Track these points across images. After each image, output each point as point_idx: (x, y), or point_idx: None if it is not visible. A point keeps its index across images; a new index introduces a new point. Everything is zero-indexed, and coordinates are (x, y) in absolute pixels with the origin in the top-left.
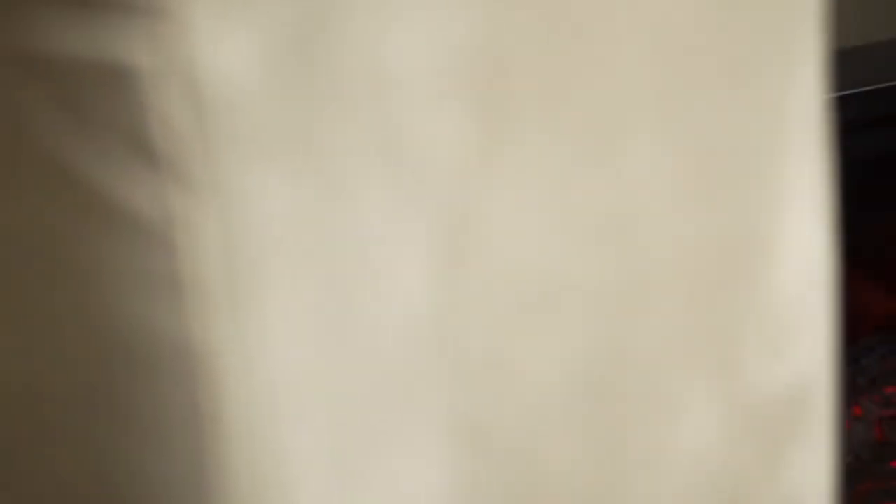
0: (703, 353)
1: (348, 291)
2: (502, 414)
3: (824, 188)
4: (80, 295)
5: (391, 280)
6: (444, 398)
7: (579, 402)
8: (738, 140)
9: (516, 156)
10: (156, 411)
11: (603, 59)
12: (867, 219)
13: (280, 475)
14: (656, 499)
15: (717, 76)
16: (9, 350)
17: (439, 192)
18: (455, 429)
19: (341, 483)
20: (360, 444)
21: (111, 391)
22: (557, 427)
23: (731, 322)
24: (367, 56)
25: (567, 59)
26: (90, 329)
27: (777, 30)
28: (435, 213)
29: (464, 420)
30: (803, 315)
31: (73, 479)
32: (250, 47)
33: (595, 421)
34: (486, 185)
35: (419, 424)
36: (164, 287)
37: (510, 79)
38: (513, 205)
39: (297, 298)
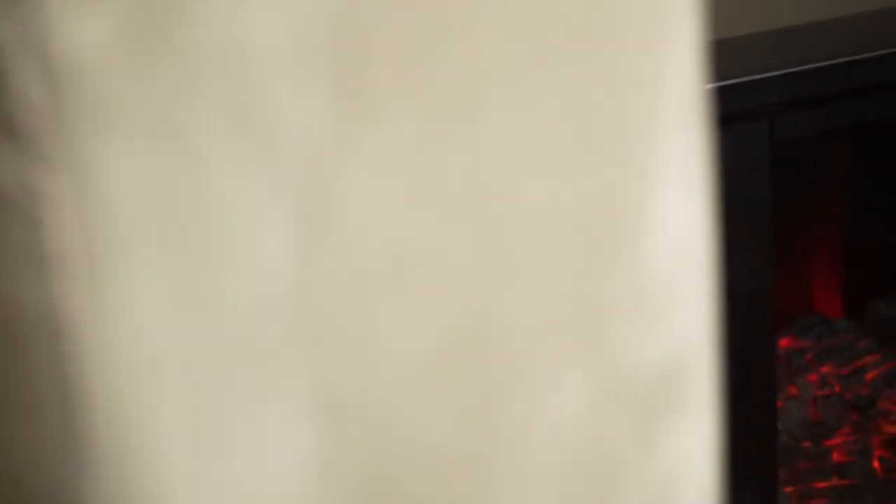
0: (574, 328)
1: (207, 263)
2: (365, 387)
3: (700, 169)
4: None
5: (251, 252)
6: (305, 371)
7: (445, 375)
8: (605, 116)
9: (376, 129)
10: (21, 382)
11: (464, 32)
12: (801, 203)
13: (146, 444)
14: (525, 474)
15: (582, 51)
16: None
17: (298, 166)
18: (317, 402)
19: (206, 453)
20: (222, 415)
21: None
22: (422, 401)
23: (602, 297)
24: (223, 30)
25: (426, 33)
26: None
27: (648, 8)
28: (294, 187)
29: (326, 393)
30: (678, 291)
31: None
32: (106, 22)
33: (461, 395)
34: (346, 158)
35: (281, 396)
36: (26, 261)
37: (369, 52)
38: (373, 179)
39: (156, 271)
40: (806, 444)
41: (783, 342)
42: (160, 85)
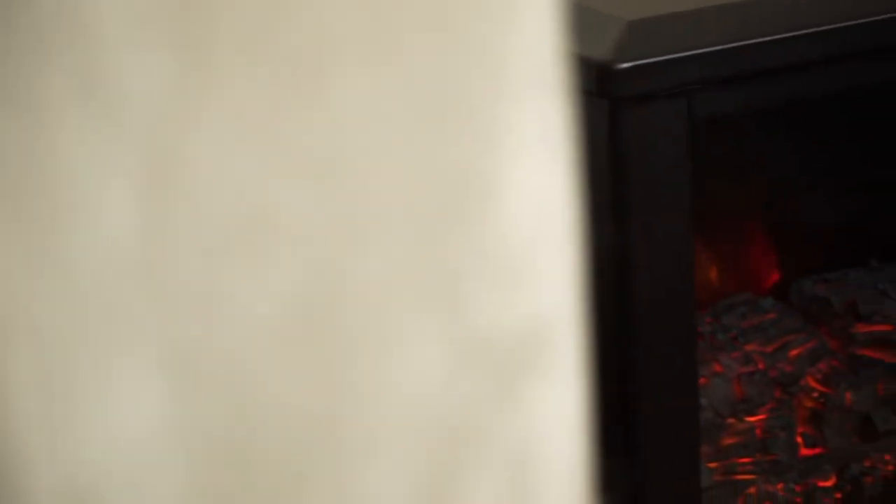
0: (429, 291)
1: (54, 227)
2: (216, 348)
3: (560, 137)
4: None
5: (96, 216)
6: (157, 331)
7: (296, 337)
8: (456, 82)
9: (221, 95)
10: None
11: None
12: (726, 181)
13: None
14: (380, 436)
15: (431, 17)
16: None
17: (143, 131)
18: (170, 362)
19: (58, 413)
20: (75, 375)
21: None
22: (273, 360)
23: (457, 261)
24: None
25: None
26: None
27: None
28: (139, 152)
29: (177, 353)
30: (537, 257)
31: None
32: None
33: (313, 357)
34: (191, 124)
35: (133, 356)
36: None
37: (213, 18)
38: (219, 144)
39: (2, 236)
40: (730, 420)
41: (708, 320)
42: (1, 51)
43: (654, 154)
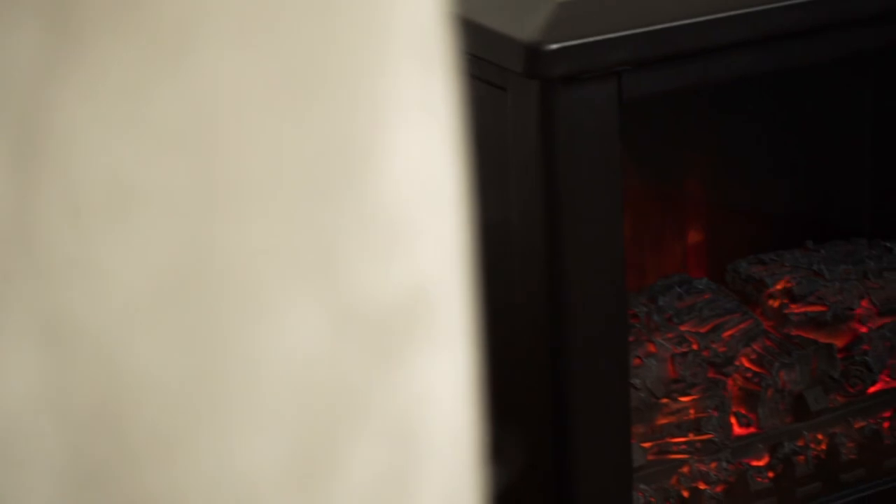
0: (307, 259)
1: None
2: (90, 318)
3: (444, 108)
4: None
5: None
6: (33, 300)
7: (170, 306)
8: (333, 52)
9: (92, 65)
10: None
11: None
12: (662, 163)
13: None
14: (259, 405)
15: None
16: None
17: (11, 102)
18: (46, 331)
19: None
20: None
21: None
22: (149, 332)
23: (335, 230)
24: None
25: None
26: None
27: None
28: (9, 122)
29: (51, 319)
30: (420, 226)
31: None
32: None
33: (188, 326)
34: (59, 94)
35: (10, 324)
36: None
37: None
38: (89, 113)
39: None
40: (664, 400)
41: (643, 301)
42: None
43: (583, 134)
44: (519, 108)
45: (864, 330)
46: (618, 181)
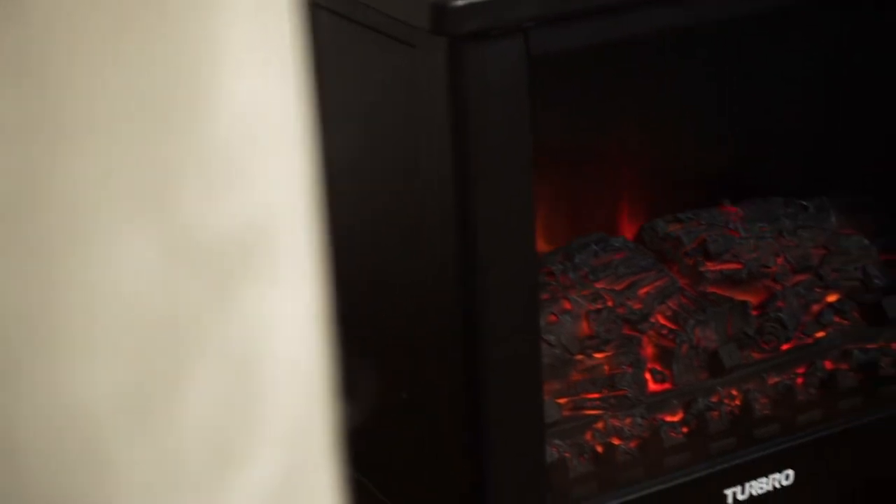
0: (141, 193)
1: None
2: None
3: (284, 47)
4: None
5: None
6: None
7: None
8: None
9: None
10: None
11: None
12: (582, 119)
13: None
14: (93, 338)
15: None
16: None
17: None
18: None
19: None
20: None
21: None
22: None
23: (170, 163)
24: None
25: None
26: None
27: None
28: None
29: None
30: (256, 160)
31: None
32: None
33: (17, 255)
34: None
35: None
36: None
37: None
38: None
39: None
40: (578, 356)
41: (560, 259)
42: None
43: (492, 91)
44: (427, 65)
45: (778, 287)
46: (527, 137)
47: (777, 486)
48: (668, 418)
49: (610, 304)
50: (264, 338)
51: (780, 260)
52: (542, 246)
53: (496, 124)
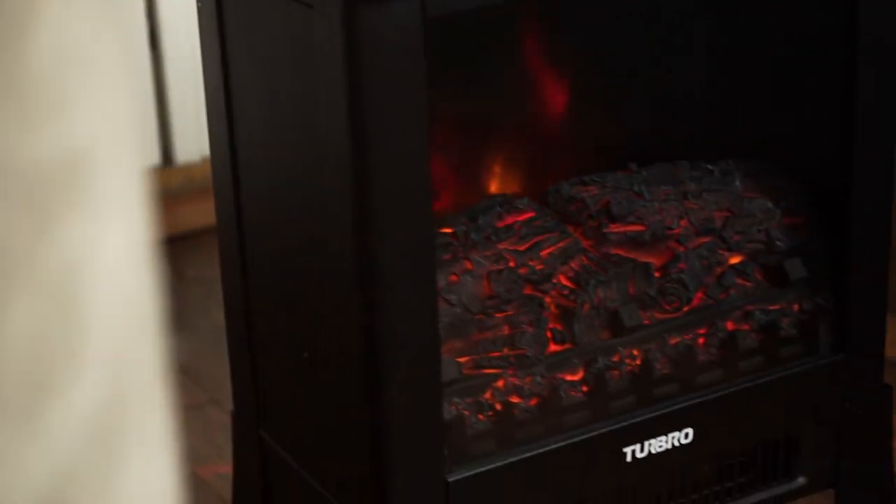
0: None
1: None
2: None
3: None
4: None
5: None
6: None
7: None
8: None
9: None
10: None
11: None
12: (490, 82)
13: None
14: None
15: None
16: None
17: None
18: None
19: None
20: None
21: None
22: None
23: None
24: None
25: None
26: None
27: None
28: None
29: None
30: (75, 90)
31: None
32: None
33: None
34: None
35: None
36: None
37: None
38: None
39: None
40: (479, 316)
41: (464, 221)
42: None
43: (388, 51)
44: (324, 24)
45: (681, 249)
46: (423, 97)
47: (676, 444)
48: (569, 377)
49: (512, 264)
50: (86, 268)
51: (683, 222)
52: (448, 208)
53: (392, 83)
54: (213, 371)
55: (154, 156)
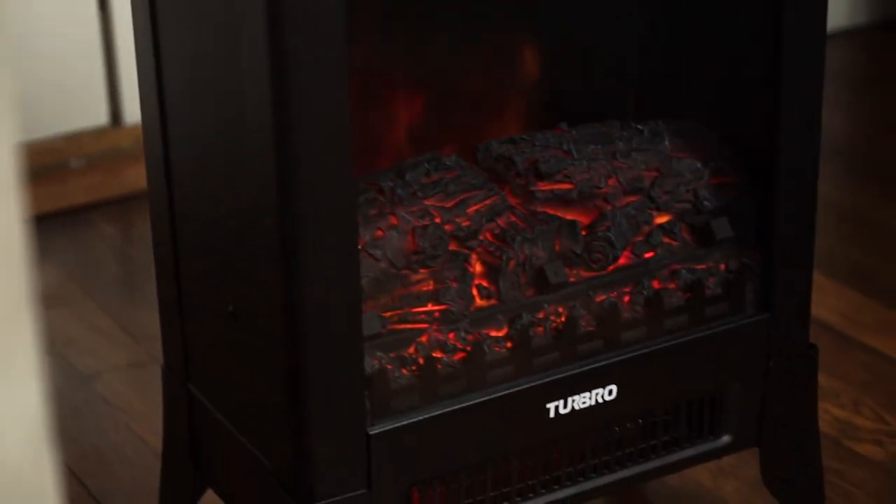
0: None
1: None
2: None
3: None
4: None
5: None
6: None
7: None
8: None
9: None
10: None
11: None
12: (412, 43)
13: None
14: None
15: None
16: None
17: None
18: None
19: None
20: None
21: None
22: None
23: None
24: None
25: None
26: None
27: None
28: None
29: None
30: None
31: None
32: None
33: None
34: None
35: None
36: None
37: None
38: None
39: None
40: (405, 271)
41: (391, 177)
42: None
43: (309, 9)
44: None
45: (609, 208)
46: (343, 50)
47: (600, 400)
48: (493, 333)
49: (437, 220)
50: None
51: (611, 181)
52: (376, 165)
53: (312, 38)
54: (157, 331)
55: (102, 116)
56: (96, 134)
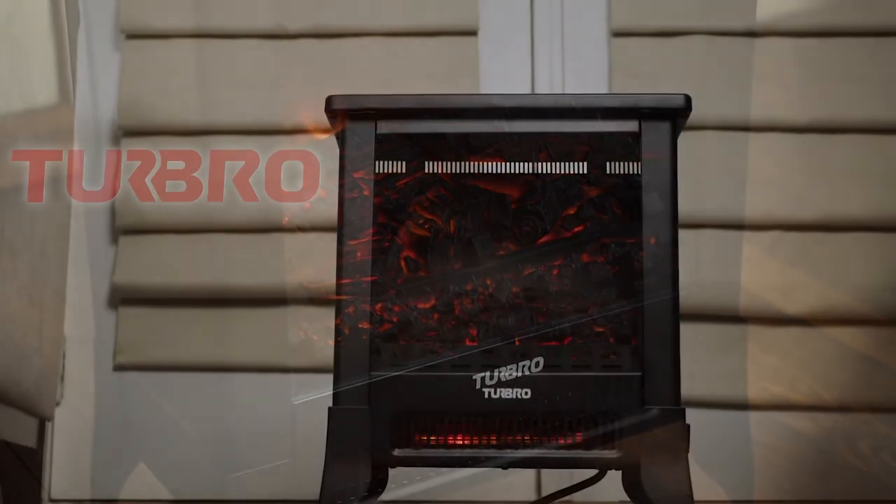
0: None
1: None
2: None
3: None
4: None
5: None
6: None
7: None
8: None
9: None
10: None
11: None
12: None
13: None
14: None
15: None
16: None
17: None
18: None
19: None
20: None
21: None
22: None
23: None
24: None
25: None
26: None
27: None
28: None
29: None
30: None
31: None
32: None
33: None
34: None
35: None
36: None
37: None
38: None
39: None
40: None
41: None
42: None
43: None
44: None
45: (539, 182)
46: None
47: (527, 372)
48: (421, 305)
49: (366, 192)
50: None
51: (542, 155)
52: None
53: None
54: None
55: None
56: None
